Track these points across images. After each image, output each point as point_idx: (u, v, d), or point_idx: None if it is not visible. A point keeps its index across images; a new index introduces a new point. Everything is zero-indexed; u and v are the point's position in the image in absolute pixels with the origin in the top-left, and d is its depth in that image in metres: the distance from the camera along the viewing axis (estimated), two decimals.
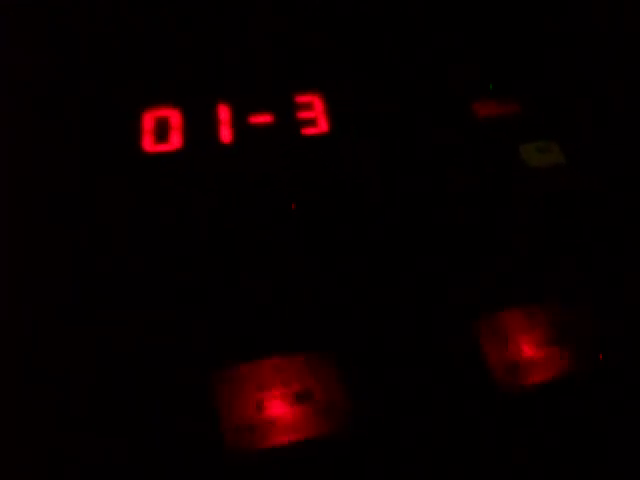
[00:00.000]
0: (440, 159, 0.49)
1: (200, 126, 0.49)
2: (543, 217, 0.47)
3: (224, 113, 0.49)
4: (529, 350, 0.41)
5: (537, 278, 0.44)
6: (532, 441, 0.38)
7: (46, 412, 0.38)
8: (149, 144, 0.48)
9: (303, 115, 0.50)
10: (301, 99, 0.51)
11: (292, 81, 0.51)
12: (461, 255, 0.45)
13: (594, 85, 0.54)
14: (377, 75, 0.52)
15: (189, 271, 0.42)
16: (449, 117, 0.51)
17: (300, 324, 0.41)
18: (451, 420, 0.38)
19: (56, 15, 0.53)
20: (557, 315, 0.43)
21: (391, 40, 0.54)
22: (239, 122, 0.49)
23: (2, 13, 0.53)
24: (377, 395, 0.39)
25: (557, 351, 0.41)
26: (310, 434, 0.37)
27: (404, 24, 0.55)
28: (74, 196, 0.45)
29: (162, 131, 0.48)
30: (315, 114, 0.50)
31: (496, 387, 0.40)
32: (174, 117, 0.49)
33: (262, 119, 0.49)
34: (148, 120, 0.48)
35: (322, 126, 0.50)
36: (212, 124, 0.49)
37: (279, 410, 0.38)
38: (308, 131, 0.49)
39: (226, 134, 0.48)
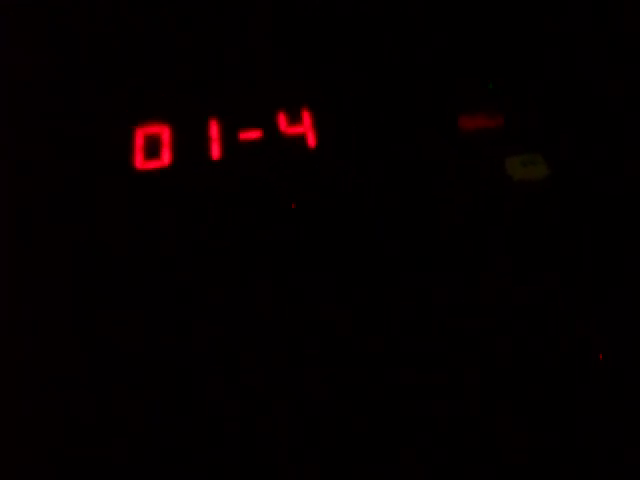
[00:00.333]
0: (425, 174, 0.49)
1: (190, 142, 0.49)
2: (528, 230, 0.47)
3: (214, 129, 0.50)
4: None
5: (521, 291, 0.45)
6: None
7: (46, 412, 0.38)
8: (140, 161, 0.48)
9: (292, 130, 0.50)
10: (290, 114, 0.51)
11: (281, 96, 0.51)
12: (447, 269, 0.45)
13: (579, 98, 0.54)
14: (364, 90, 0.52)
15: (181, 287, 0.43)
16: (435, 131, 0.51)
17: None
18: None
19: (56, 15, 0.53)
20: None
21: (377, 54, 0.54)
22: (229, 138, 0.49)
23: (2, 13, 0.53)
24: None
25: None
26: None
27: (390, 39, 0.55)
28: (68, 210, 0.45)
29: (153, 148, 0.49)
30: (304, 129, 0.50)
31: None
32: (165, 134, 0.49)
33: (252, 135, 0.50)
34: (139, 137, 0.49)
35: (311, 141, 0.50)
36: (202, 140, 0.49)
37: None
38: (297, 146, 0.50)
39: (216, 150, 0.49)
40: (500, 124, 0.52)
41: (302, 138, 0.50)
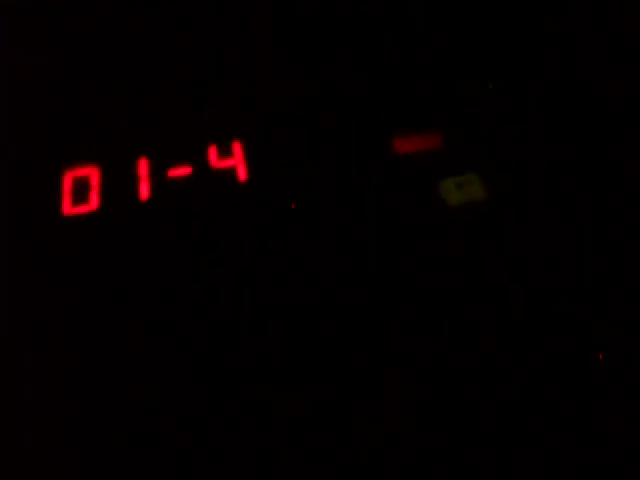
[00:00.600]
0: (358, 201, 0.48)
1: (119, 184, 0.48)
2: (461, 257, 0.46)
3: (143, 168, 0.48)
4: None
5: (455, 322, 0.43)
6: None
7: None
8: (68, 207, 0.47)
9: (222, 164, 0.49)
10: (221, 147, 0.49)
11: (212, 129, 0.50)
12: (377, 299, 0.44)
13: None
14: (295, 118, 0.51)
15: (114, 333, 0.42)
16: (369, 155, 0.50)
17: None
18: None
19: (56, 15, 0.53)
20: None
21: (308, 80, 0.53)
22: (158, 176, 0.48)
23: (2, 13, 0.53)
24: None
25: None
26: None
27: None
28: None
29: (81, 192, 0.47)
30: (235, 162, 0.49)
31: None
32: (94, 176, 0.48)
33: (181, 172, 0.48)
34: (68, 180, 0.47)
35: (241, 174, 0.49)
36: (131, 181, 0.48)
37: None
38: (228, 180, 0.48)
39: (144, 190, 0.47)
40: (438, 145, 0.50)
41: (233, 171, 0.49)
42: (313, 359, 0.41)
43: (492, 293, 0.44)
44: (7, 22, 0.53)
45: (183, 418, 0.39)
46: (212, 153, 0.49)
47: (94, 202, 0.47)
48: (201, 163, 0.48)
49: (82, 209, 0.46)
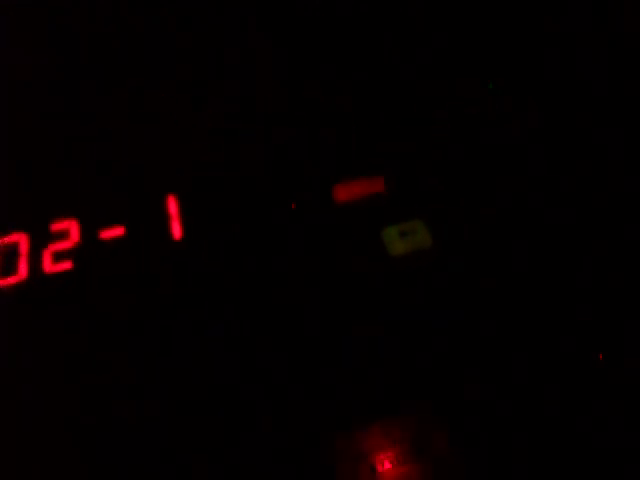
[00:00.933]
0: (295, 256, 0.45)
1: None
2: (406, 317, 0.43)
3: (74, 231, 0.46)
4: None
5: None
6: None
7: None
8: None
9: (157, 222, 0.46)
10: (154, 204, 0.47)
11: (147, 185, 0.48)
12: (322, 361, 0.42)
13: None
14: (231, 168, 0.49)
15: (55, 399, 0.40)
16: (306, 206, 0.47)
17: None
18: None
19: (56, 15, 0.53)
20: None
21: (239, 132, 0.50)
22: (89, 239, 0.46)
23: (2, 13, 0.53)
24: None
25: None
26: None
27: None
28: None
29: (10, 261, 0.45)
30: (169, 219, 0.46)
31: None
32: (23, 244, 0.45)
33: (113, 233, 0.46)
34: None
35: (176, 233, 0.46)
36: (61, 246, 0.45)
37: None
38: (161, 239, 0.46)
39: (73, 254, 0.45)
40: (380, 189, 0.47)
41: (166, 229, 0.46)
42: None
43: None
44: (7, 22, 0.53)
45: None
46: (146, 210, 0.46)
47: (23, 272, 0.44)
48: (135, 223, 0.46)
49: (10, 280, 0.44)
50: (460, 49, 0.55)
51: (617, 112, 0.52)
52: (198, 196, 0.47)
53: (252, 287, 0.44)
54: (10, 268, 0.45)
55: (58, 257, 0.45)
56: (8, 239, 0.45)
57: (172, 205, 0.47)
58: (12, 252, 0.45)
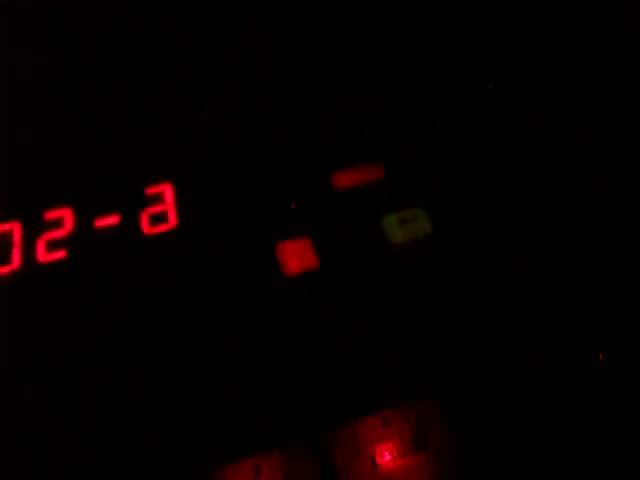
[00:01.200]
0: (292, 248, 0.45)
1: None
2: (408, 304, 0.42)
3: (68, 219, 0.45)
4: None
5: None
6: None
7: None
8: None
9: (152, 210, 0.46)
10: (149, 192, 0.46)
11: (141, 173, 0.47)
12: (318, 353, 0.41)
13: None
14: (226, 158, 0.49)
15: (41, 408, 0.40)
16: (305, 193, 0.47)
17: None
18: None
19: (56, 15, 0.53)
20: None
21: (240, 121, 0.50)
22: (84, 227, 0.45)
23: (2, 13, 0.53)
24: None
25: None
26: None
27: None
28: None
29: (3, 250, 0.44)
30: (165, 207, 0.46)
31: None
32: (16, 232, 0.44)
33: (108, 221, 0.45)
34: None
35: (172, 221, 0.45)
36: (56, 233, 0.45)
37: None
38: (156, 228, 0.45)
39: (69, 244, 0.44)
40: (379, 177, 0.47)
41: (163, 216, 0.45)
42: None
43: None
44: (7, 22, 0.53)
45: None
46: (141, 199, 0.46)
47: (17, 261, 0.44)
48: (129, 211, 0.45)
49: (3, 269, 0.44)
50: (460, 49, 0.55)
51: (617, 112, 0.52)
52: (194, 184, 0.47)
53: (249, 276, 0.44)
54: (3, 257, 0.44)
55: (52, 246, 0.44)
56: (1, 228, 0.45)
57: (168, 193, 0.46)
58: (5, 241, 0.44)
